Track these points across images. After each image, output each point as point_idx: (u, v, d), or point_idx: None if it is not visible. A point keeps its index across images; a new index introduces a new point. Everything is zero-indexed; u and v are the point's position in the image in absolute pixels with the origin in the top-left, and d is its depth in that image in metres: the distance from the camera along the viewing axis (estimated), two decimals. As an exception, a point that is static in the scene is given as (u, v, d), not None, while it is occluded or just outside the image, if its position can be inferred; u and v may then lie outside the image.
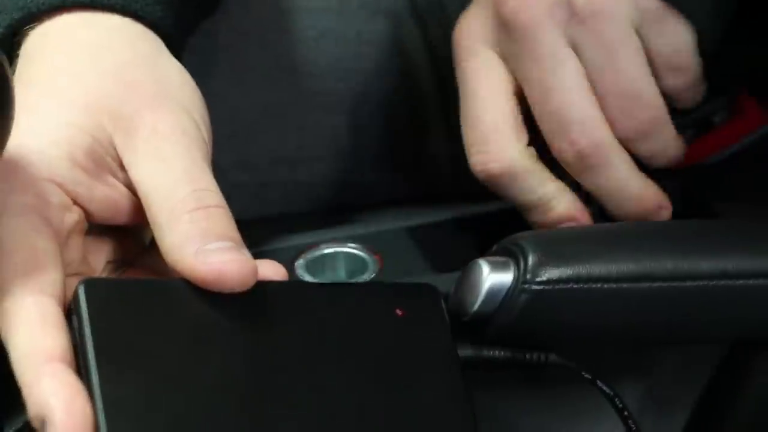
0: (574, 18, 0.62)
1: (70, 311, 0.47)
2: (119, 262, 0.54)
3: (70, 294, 0.48)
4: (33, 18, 0.56)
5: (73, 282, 0.49)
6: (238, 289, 0.49)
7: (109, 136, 0.52)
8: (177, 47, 0.59)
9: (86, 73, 0.54)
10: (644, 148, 0.63)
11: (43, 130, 0.52)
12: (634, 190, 0.63)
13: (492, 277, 0.56)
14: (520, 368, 0.57)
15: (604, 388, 0.57)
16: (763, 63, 0.65)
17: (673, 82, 0.63)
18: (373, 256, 0.65)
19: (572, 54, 0.62)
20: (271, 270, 0.52)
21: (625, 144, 0.63)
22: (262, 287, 0.50)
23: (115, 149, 0.52)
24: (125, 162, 0.52)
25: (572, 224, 0.64)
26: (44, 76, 0.54)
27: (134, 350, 0.47)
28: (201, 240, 0.49)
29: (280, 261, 0.65)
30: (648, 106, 0.62)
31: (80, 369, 0.46)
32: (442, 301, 0.55)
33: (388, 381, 0.51)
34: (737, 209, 0.66)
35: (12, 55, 0.56)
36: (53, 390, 0.45)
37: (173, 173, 0.51)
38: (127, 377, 0.46)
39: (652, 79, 0.62)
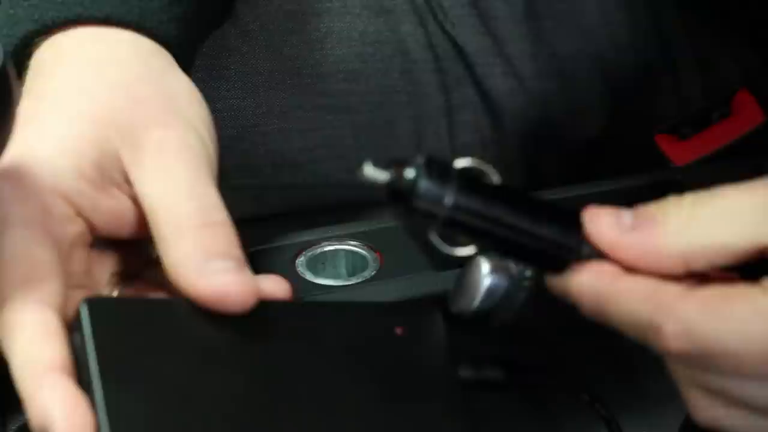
0: None
1: (71, 329, 0.47)
2: (123, 275, 0.54)
3: (71, 306, 0.48)
4: (47, 30, 0.56)
5: (76, 294, 0.49)
6: (239, 310, 0.49)
7: (116, 150, 0.52)
8: (187, 62, 0.59)
9: (95, 86, 0.54)
10: None
11: (51, 141, 0.52)
12: None
13: (491, 275, 0.56)
14: (518, 389, 0.57)
15: (602, 411, 0.57)
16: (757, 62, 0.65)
17: None
18: (374, 254, 0.66)
19: None
20: (273, 285, 0.51)
21: None
22: (264, 306, 0.50)
23: (121, 163, 0.52)
24: (131, 177, 0.52)
25: None
26: (53, 88, 0.54)
27: (137, 368, 0.47)
28: (203, 259, 0.49)
29: (280, 259, 0.65)
30: None
31: (81, 385, 0.46)
32: (442, 320, 0.55)
33: (389, 400, 0.51)
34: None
35: (23, 65, 0.56)
36: (54, 400, 0.45)
37: (178, 189, 0.51)
38: (130, 394, 0.46)
39: None
